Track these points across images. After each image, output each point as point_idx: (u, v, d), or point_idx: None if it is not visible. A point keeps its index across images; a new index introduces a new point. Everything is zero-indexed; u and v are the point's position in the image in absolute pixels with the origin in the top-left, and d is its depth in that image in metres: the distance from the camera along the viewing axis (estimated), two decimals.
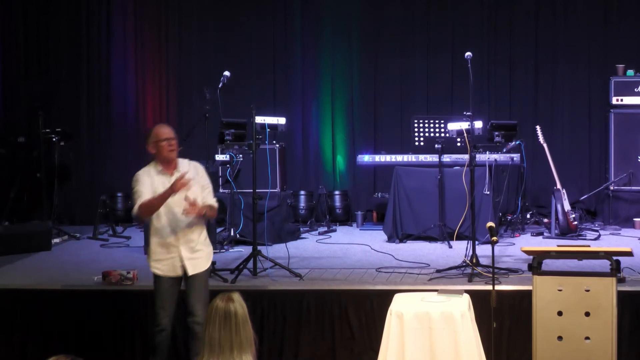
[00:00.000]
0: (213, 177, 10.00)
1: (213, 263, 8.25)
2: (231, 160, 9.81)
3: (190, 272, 6.74)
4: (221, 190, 10.51)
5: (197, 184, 6.76)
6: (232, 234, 10.07)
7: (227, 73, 8.77)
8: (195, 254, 6.79)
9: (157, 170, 6.78)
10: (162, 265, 6.77)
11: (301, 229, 11.06)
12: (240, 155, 9.87)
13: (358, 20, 12.46)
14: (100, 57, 12.52)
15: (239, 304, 4.62)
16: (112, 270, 8.07)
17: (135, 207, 6.69)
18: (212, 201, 6.86)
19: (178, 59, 12.58)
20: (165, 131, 6.80)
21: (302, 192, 11.87)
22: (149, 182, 6.73)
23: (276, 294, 7.83)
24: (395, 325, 6.53)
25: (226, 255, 9.46)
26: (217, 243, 9.69)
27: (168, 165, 6.79)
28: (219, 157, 9.89)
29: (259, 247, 8.42)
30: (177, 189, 6.52)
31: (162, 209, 6.67)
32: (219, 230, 10.23)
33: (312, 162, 12.53)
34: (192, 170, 6.82)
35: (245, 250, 9.36)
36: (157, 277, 6.80)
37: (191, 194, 6.65)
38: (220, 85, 8.68)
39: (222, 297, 4.68)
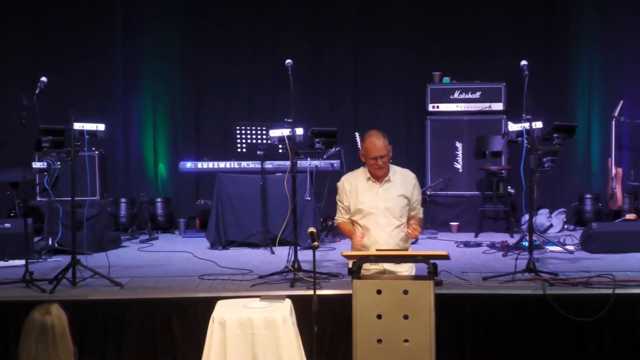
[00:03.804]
0: (30, 185, 9.79)
1: (31, 273, 8.07)
2: (49, 167, 9.54)
3: None
4: (38, 199, 10.28)
5: (399, 196, 7.14)
6: (50, 243, 9.83)
7: (44, 79, 8.56)
8: None
9: (366, 177, 7.17)
10: None
11: (122, 237, 10.89)
12: (59, 163, 9.63)
13: (181, 26, 12.40)
14: None
15: (56, 317, 4.49)
16: None
17: (336, 221, 7.49)
18: (419, 213, 7.40)
19: None
20: (377, 148, 7.01)
21: (123, 200, 11.71)
22: (352, 190, 7.16)
23: (96, 303, 7.67)
24: (218, 332, 6.51)
25: (44, 265, 9.21)
26: (35, 252, 9.45)
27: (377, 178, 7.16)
28: (36, 165, 9.62)
29: (78, 256, 8.22)
30: (357, 247, 7.18)
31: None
32: (36, 239, 9.97)
33: (133, 169, 12.38)
34: (398, 180, 7.18)
35: (64, 260, 9.13)
36: None
37: (393, 204, 7.13)
38: (37, 91, 8.45)
39: (40, 309, 4.54)
